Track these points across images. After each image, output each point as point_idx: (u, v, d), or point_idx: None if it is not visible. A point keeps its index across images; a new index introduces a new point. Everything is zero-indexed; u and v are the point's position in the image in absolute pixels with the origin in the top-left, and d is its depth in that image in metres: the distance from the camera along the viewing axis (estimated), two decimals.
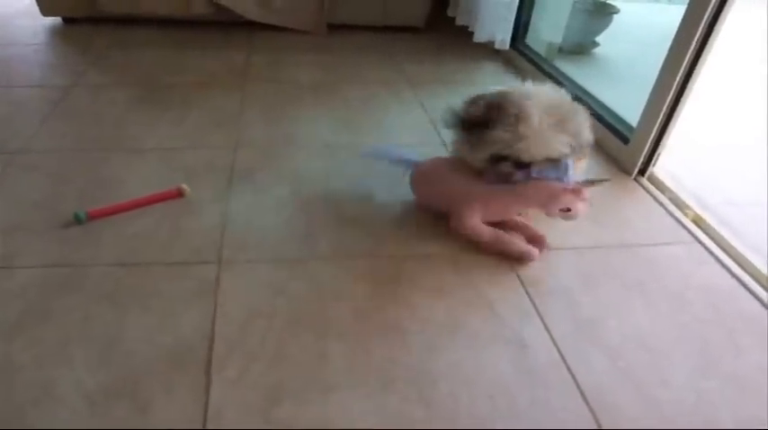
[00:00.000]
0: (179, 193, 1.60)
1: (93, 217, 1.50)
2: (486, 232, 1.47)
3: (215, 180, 1.70)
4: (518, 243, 1.47)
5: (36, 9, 2.78)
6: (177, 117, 2.05)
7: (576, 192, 1.40)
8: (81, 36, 2.75)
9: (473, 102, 1.53)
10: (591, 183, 1.43)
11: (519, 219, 1.55)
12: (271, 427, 1.03)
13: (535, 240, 1.50)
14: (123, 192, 1.61)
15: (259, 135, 1.97)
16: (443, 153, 1.89)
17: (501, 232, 1.48)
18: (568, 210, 1.42)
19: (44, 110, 2.05)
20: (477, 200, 1.47)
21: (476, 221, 1.48)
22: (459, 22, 2.92)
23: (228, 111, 2.12)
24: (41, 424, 1.01)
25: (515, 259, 1.46)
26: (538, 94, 1.48)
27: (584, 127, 1.48)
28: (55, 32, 2.80)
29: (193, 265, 1.38)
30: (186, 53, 2.61)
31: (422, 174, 1.58)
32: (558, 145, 1.42)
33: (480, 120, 1.47)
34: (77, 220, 1.48)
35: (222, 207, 1.59)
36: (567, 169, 1.42)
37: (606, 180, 1.43)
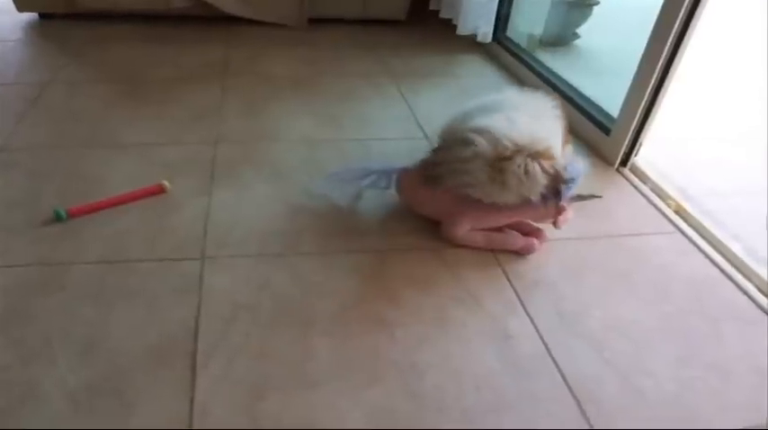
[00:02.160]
0: (160, 190, 1.59)
1: (73, 214, 1.48)
2: (479, 238, 1.47)
3: (196, 175, 1.69)
4: (515, 238, 1.47)
5: (12, 5, 2.73)
6: (157, 113, 2.03)
7: (565, 209, 1.40)
8: (58, 32, 2.71)
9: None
10: (581, 198, 1.43)
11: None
12: (256, 423, 1.03)
13: (533, 234, 1.50)
14: (104, 188, 1.59)
15: (240, 130, 1.96)
16: (426, 147, 1.87)
17: (493, 234, 1.47)
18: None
19: (21, 107, 2.01)
20: (466, 214, 1.45)
21: (465, 232, 1.46)
22: (443, 15, 2.92)
23: (208, 106, 2.10)
24: (26, 423, 1.00)
25: (516, 252, 1.46)
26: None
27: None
28: (31, 28, 2.76)
29: (176, 262, 1.37)
30: (165, 48, 2.58)
31: (409, 184, 1.53)
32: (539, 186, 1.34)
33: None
34: (58, 218, 1.46)
35: (204, 202, 1.57)
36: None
37: (597, 196, 1.43)
